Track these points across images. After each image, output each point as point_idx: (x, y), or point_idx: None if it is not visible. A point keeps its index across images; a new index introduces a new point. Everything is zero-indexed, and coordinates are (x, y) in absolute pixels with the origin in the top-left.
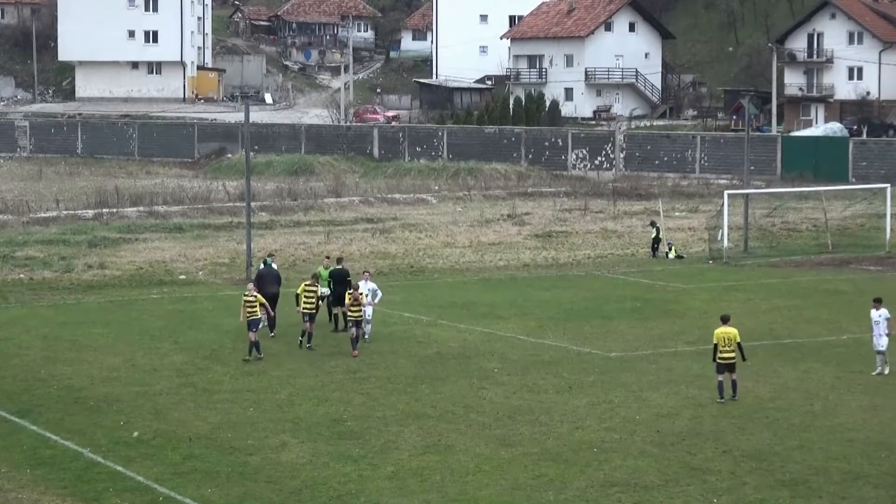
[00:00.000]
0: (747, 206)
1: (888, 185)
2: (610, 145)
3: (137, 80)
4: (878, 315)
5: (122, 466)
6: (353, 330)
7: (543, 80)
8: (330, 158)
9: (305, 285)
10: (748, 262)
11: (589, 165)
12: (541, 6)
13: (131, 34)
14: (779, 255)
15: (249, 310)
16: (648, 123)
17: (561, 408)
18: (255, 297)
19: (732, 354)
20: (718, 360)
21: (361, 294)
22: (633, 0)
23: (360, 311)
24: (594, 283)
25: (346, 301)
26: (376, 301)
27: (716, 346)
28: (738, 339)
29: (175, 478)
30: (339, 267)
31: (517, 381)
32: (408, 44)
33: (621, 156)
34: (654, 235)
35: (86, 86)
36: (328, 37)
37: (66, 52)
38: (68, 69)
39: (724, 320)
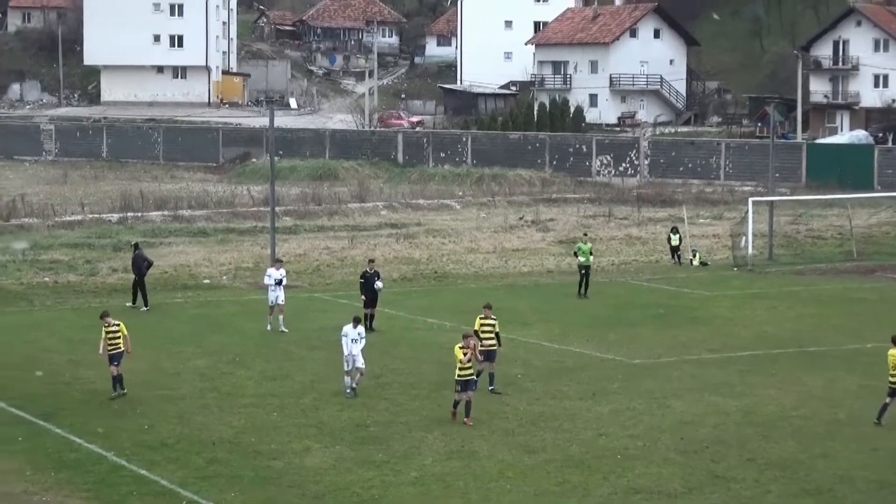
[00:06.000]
0: (772, 213)
1: None
2: (634, 152)
3: (162, 85)
4: None
5: (146, 470)
6: (459, 394)
7: (568, 86)
8: (354, 163)
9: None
10: (772, 270)
11: (613, 172)
12: (566, 12)
13: (156, 38)
14: (803, 263)
15: (113, 342)
16: (673, 130)
17: (584, 415)
18: (119, 326)
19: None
20: (890, 383)
21: (475, 346)
22: (658, 7)
23: (471, 369)
24: (618, 290)
25: (458, 356)
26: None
27: None
28: None
29: (198, 482)
30: (371, 270)
31: (541, 388)
32: (432, 49)
33: (646, 162)
34: (675, 243)
35: (111, 90)
36: (353, 42)
37: (91, 56)
38: (94, 73)
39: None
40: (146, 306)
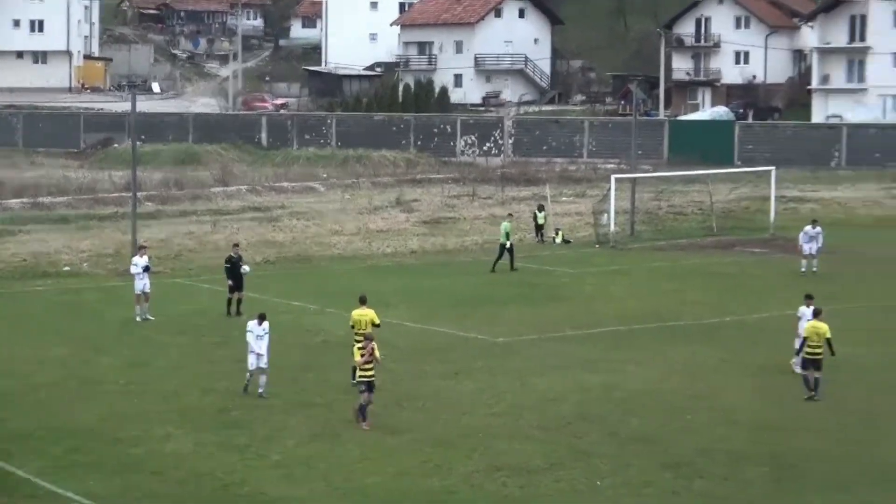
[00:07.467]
0: (634, 190)
1: (773, 167)
2: (499, 131)
3: (22, 70)
4: None
5: (2, 461)
6: (366, 395)
7: (433, 66)
8: (218, 147)
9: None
10: (635, 246)
11: (478, 151)
12: None
13: (16, 23)
14: (665, 239)
15: None
16: (537, 109)
17: (448, 394)
18: None
19: (820, 350)
20: (805, 356)
21: (373, 348)
22: None
23: (374, 370)
24: (482, 269)
25: (357, 357)
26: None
27: (805, 339)
28: (829, 335)
29: (57, 471)
30: (235, 254)
31: (404, 368)
32: (297, 31)
33: (510, 142)
34: (541, 221)
35: None
36: (217, 25)
37: None
38: None
39: (816, 314)
40: None
